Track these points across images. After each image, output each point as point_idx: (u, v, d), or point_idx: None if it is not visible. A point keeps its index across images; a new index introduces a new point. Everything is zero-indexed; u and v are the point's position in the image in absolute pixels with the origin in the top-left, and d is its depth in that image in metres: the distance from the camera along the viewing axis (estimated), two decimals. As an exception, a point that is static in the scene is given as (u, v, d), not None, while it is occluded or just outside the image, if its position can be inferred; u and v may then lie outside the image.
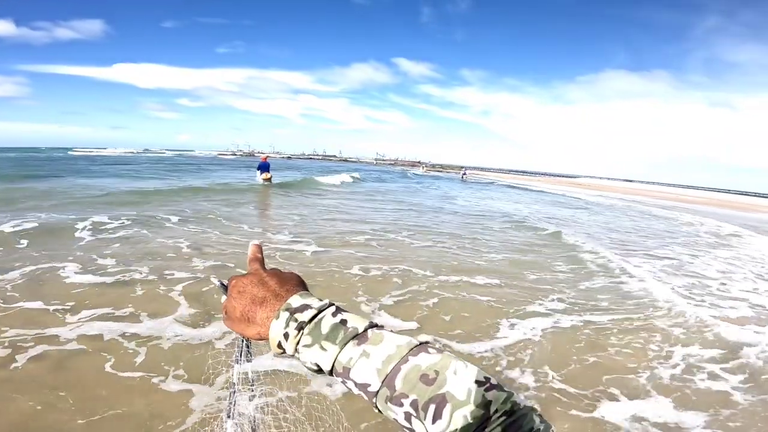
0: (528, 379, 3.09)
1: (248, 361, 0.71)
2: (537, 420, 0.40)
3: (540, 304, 4.65)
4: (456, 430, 0.38)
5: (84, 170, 21.47)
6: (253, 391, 0.74)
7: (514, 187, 35.58)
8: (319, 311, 0.46)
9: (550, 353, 3.51)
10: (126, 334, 3.25)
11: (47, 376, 2.64)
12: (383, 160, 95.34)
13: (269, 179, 16.39)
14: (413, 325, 3.87)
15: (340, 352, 0.43)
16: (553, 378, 3.11)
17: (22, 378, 2.62)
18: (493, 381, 0.41)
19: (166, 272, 4.71)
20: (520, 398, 0.42)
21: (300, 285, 0.51)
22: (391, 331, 0.46)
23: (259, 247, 0.57)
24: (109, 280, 4.38)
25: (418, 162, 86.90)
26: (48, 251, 5.22)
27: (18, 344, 2.97)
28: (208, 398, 2.46)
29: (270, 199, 13.20)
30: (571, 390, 2.97)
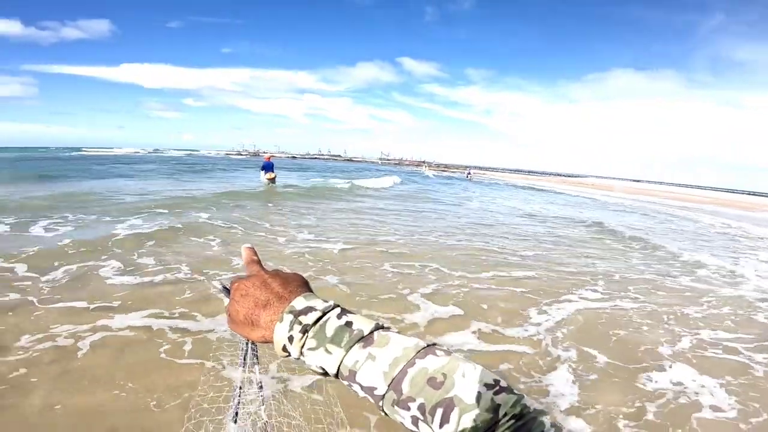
0: None
1: (254, 363, 0.70)
2: (547, 423, 0.39)
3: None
4: None
5: (108, 172, 21.69)
6: (258, 394, 0.73)
7: (535, 188, 35.38)
8: (324, 313, 0.45)
9: None
10: (176, 328, 3.36)
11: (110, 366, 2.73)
12: (388, 159, 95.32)
13: (273, 179, 16.35)
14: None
15: (345, 355, 0.42)
16: None
17: (88, 366, 2.73)
18: (503, 383, 0.40)
19: (207, 272, 4.74)
20: (530, 401, 0.40)
21: (303, 286, 0.50)
22: (398, 332, 0.45)
23: (253, 249, 0.57)
24: (156, 279, 4.42)
25: (423, 162, 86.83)
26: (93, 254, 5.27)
27: (78, 335, 3.10)
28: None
29: (331, 203, 13.09)
30: None
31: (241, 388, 0.71)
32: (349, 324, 0.44)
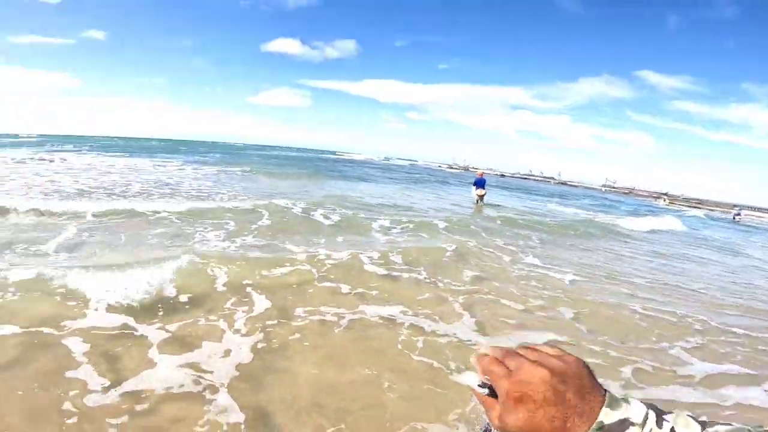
0: None
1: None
2: None
3: None
4: None
5: (356, 175, 27.38)
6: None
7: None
8: (642, 426, 0.38)
9: None
10: (411, 326, 3.81)
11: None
12: (614, 187, 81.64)
13: (482, 196, 16.27)
14: None
15: None
16: None
17: (339, 344, 3.41)
18: None
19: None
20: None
21: (592, 380, 0.41)
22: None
23: (501, 349, 0.44)
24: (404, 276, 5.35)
25: (663, 194, 70.16)
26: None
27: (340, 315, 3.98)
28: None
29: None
30: None
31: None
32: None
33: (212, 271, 4.54)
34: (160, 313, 3.53)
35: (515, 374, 0.40)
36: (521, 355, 0.42)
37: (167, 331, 3.25)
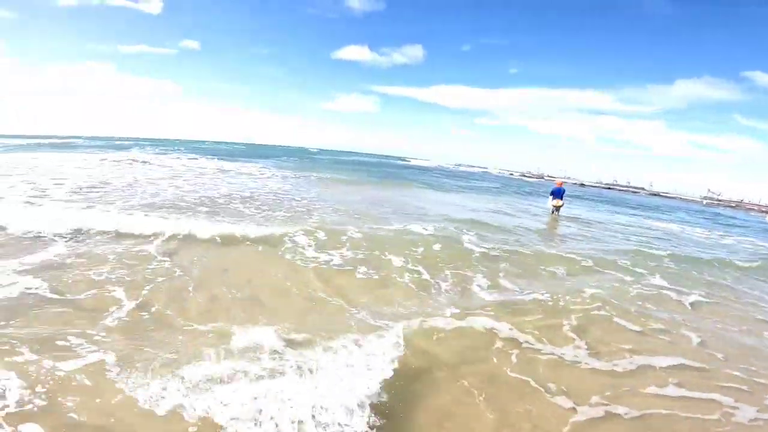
0: None
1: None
2: None
3: None
4: None
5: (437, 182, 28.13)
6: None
7: None
8: None
9: None
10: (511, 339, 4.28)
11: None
12: (718, 200, 71.96)
13: (559, 207, 15.77)
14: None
15: None
16: None
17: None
18: None
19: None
20: None
21: None
22: None
23: None
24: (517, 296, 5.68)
25: (781, 209, 60.06)
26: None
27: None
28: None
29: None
30: None
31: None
32: None
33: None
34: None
35: None
36: None
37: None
